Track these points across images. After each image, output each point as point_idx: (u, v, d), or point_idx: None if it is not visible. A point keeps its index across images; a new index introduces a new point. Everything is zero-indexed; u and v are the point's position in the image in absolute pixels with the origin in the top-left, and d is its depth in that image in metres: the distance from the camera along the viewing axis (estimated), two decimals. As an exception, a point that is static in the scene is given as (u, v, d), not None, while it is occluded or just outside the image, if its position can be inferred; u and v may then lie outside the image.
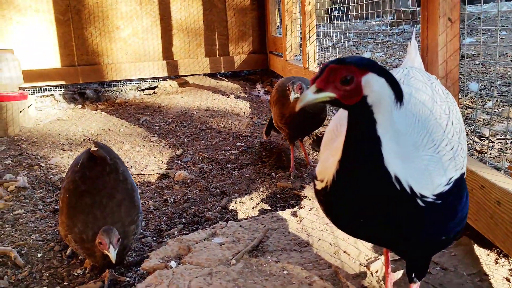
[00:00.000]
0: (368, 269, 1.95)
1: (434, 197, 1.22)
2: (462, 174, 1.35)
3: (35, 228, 2.75)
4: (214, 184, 3.32)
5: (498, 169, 2.13)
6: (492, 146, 2.88)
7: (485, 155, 2.63)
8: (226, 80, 6.90)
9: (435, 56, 2.19)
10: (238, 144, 4.13)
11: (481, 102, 3.66)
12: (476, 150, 2.77)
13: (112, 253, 1.88)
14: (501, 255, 1.98)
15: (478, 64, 4.37)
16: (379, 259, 1.99)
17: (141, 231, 2.50)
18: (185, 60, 6.73)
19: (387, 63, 5.34)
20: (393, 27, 7.72)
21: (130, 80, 6.62)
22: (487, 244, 2.03)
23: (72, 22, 6.22)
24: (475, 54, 5.11)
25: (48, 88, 6.26)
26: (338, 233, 2.25)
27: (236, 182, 3.33)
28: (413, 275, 1.47)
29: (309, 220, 2.42)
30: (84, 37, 6.30)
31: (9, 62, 4.87)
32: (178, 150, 4.09)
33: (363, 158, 1.17)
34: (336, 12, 4.59)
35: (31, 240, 2.59)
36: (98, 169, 2.10)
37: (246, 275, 1.93)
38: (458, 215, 1.32)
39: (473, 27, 5.82)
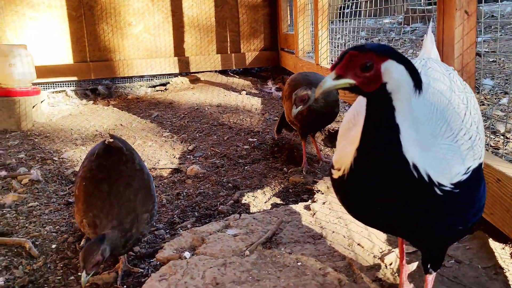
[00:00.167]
0: (382, 261, 1.95)
1: (452, 186, 1.22)
2: (480, 164, 1.34)
3: (49, 220, 2.78)
4: (226, 178, 3.32)
5: (514, 163, 2.12)
6: (507, 141, 2.86)
7: (500, 150, 2.61)
8: (237, 77, 6.90)
9: (451, 50, 2.18)
10: (250, 139, 4.13)
11: (495, 99, 3.63)
12: (491, 146, 2.75)
13: (82, 278, 1.81)
14: (517, 249, 1.97)
15: (492, 61, 4.34)
16: (393, 251, 1.99)
17: (154, 223, 2.50)
18: (197, 57, 6.74)
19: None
20: (405, 26, 7.67)
21: (142, 77, 6.65)
22: (502, 238, 2.02)
23: (84, 18, 6.25)
24: (488, 51, 5.07)
25: (60, 84, 6.29)
26: (352, 226, 2.24)
27: (248, 176, 3.33)
28: (428, 266, 1.47)
29: (323, 214, 2.42)
30: (96, 33, 6.33)
31: (22, 57, 4.90)
32: (190, 145, 4.10)
33: (381, 145, 1.17)
34: (348, 10, 4.58)
35: (45, 232, 2.61)
36: (115, 158, 2.11)
37: (260, 266, 1.93)
38: (475, 204, 1.31)
39: (486, 25, 5.77)
